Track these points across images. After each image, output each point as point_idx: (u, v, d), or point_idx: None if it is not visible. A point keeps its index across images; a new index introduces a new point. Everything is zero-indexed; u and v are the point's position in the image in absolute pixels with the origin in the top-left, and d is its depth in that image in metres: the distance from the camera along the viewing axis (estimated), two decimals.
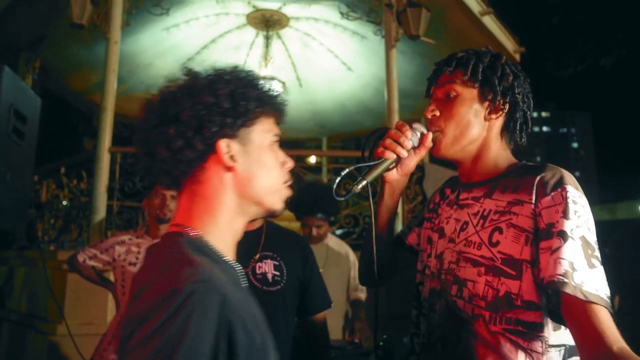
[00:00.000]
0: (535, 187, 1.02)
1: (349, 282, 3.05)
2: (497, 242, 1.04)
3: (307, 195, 2.87)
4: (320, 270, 2.89)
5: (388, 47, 4.84)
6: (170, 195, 2.78)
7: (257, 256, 1.64)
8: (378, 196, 1.27)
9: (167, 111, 0.86)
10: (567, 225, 0.97)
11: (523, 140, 1.20)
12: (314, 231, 2.90)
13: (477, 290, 1.04)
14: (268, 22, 5.99)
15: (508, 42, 5.97)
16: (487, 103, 1.15)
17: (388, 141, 1.13)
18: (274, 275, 1.62)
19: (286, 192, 0.95)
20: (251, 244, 1.67)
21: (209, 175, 0.88)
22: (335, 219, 3.19)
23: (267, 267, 1.62)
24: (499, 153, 1.17)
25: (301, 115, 8.34)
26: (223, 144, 0.87)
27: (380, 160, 1.13)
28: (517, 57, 6.19)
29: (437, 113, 1.17)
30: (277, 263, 1.65)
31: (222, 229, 0.88)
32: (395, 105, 4.81)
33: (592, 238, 0.99)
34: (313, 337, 1.78)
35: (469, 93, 1.15)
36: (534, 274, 1.00)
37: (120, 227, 4.91)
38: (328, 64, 6.83)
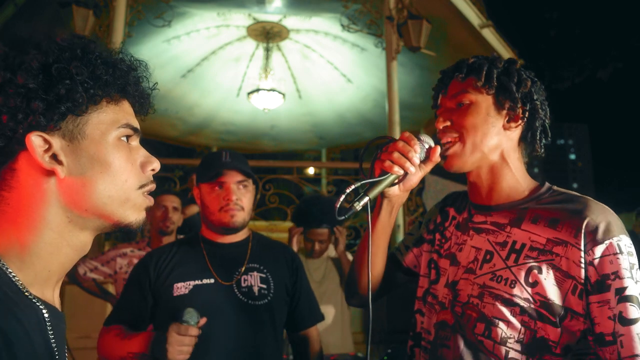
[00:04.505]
0: (583, 230, 0.94)
1: None
2: (535, 283, 0.96)
3: (313, 206, 2.83)
4: (321, 282, 2.87)
5: (389, 59, 4.86)
6: (173, 207, 2.76)
7: (243, 269, 1.59)
8: (375, 211, 1.15)
9: None
10: (635, 288, 0.91)
11: (542, 151, 1.12)
12: (317, 245, 2.86)
13: (513, 331, 0.96)
14: (268, 34, 6.02)
15: (507, 55, 6.00)
16: (504, 111, 1.06)
17: (396, 155, 1.02)
18: (260, 289, 1.57)
19: (144, 201, 0.74)
20: (236, 256, 1.63)
21: (22, 180, 0.66)
22: None
23: (253, 280, 1.58)
24: (518, 167, 1.09)
25: (301, 126, 8.36)
26: (36, 139, 0.65)
27: (386, 176, 1.02)
28: None
29: (449, 124, 1.08)
30: (263, 276, 1.61)
31: (39, 252, 0.67)
32: (396, 117, 4.82)
33: None
34: (305, 353, 1.73)
35: (484, 100, 1.06)
36: (586, 326, 0.94)
37: (119, 238, 4.87)
38: (328, 75, 6.86)
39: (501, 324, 0.97)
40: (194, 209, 4.57)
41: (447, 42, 5.42)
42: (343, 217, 0.98)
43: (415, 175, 1.07)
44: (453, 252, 1.12)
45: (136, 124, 0.75)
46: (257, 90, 6.20)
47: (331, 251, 3.06)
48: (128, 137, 0.73)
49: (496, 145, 1.07)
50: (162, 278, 1.57)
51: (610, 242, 0.92)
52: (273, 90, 6.20)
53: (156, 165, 0.75)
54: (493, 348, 0.97)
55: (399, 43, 4.83)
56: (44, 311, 0.66)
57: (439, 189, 5.09)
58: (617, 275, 0.91)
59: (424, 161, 1.07)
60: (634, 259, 0.93)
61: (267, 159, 8.26)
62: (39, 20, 5.09)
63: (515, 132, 1.09)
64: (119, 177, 0.70)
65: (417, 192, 5.20)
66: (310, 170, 9.74)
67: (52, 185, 0.67)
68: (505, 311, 0.97)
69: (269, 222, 6.62)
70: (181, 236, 2.91)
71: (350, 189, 0.99)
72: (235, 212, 1.58)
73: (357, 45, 5.99)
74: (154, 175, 0.77)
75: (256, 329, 1.54)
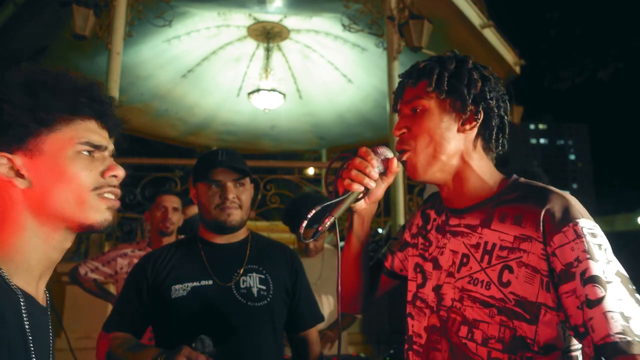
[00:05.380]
0: (542, 222, 0.94)
1: None
2: (508, 282, 0.96)
3: (302, 206, 2.77)
4: (317, 282, 2.84)
5: (390, 59, 4.85)
6: (173, 207, 2.76)
7: (242, 270, 1.57)
8: (347, 226, 1.19)
9: None
10: (598, 268, 0.88)
11: (502, 148, 1.11)
12: (311, 244, 2.81)
13: (492, 332, 0.97)
14: (269, 34, 6.02)
15: (508, 55, 6.00)
16: (457, 114, 1.05)
17: (354, 172, 1.03)
18: (259, 290, 1.55)
19: (102, 202, 0.83)
20: (235, 257, 1.61)
21: None
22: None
23: (252, 281, 1.56)
24: (481, 165, 1.08)
25: (301, 127, 8.35)
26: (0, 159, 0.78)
27: (348, 194, 1.04)
28: (517, 69, 6.22)
29: (405, 131, 1.08)
30: (263, 276, 1.58)
31: (19, 249, 0.79)
32: (397, 117, 4.80)
33: (621, 266, 0.90)
34: (305, 355, 1.71)
35: (436, 105, 1.06)
36: (561, 319, 0.93)
37: (120, 238, 4.87)
38: (328, 75, 6.85)
39: (482, 325, 0.98)
40: (194, 209, 4.57)
41: (448, 42, 5.41)
42: (310, 240, 1.04)
43: (379, 187, 1.09)
44: (435, 256, 1.12)
45: (97, 141, 0.84)
46: (258, 90, 6.20)
47: (327, 250, 3.04)
48: (90, 151, 0.83)
49: (455, 149, 1.06)
50: (159, 280, 1.55)
51: (568, 228, 0.91)
52: (273, 90, 6.20)
53: (118, 172, 0.85)
54: (476, 350, 0.98)
55: (400, 43, 4.83)
56: (21, 299, 0.76)
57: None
58: (579, 260, 0.89)
59: (384, 173, 1.08)
60: (598, 240, 0.91)
61: (268, 159, 8.26)
62: (39, 20, 5.08)
63: (472, 133, 1.07)
64: (73, 182, 0.80)
65: (418, 192, 5.20)
66: (310, 171, 9.74)
67: (19, 195, 0.79)
68: (484, 312, 0.98)
69: (270, 223, 6.62)
70: (182, 236, 2.91)
71: (312, 213, 1.01)
72: (232, 210, 1.56)
73: (357, 45, 5.98)
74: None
75: (256, 331, 1.52)
